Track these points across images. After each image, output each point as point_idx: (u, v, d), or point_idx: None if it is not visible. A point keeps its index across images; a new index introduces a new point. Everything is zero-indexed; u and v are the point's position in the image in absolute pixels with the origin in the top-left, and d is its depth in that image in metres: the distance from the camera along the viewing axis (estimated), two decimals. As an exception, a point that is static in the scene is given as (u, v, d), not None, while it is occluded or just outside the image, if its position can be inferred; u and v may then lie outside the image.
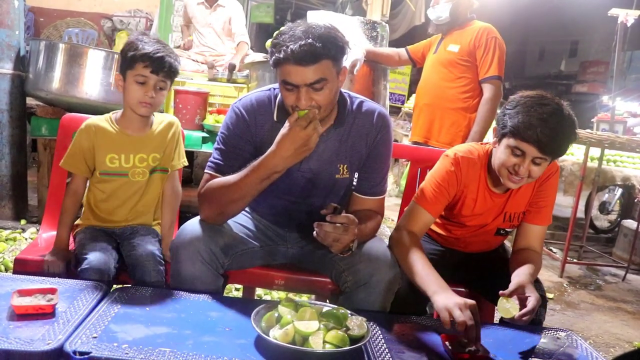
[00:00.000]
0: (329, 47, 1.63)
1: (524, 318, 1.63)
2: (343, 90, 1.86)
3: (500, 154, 1.80)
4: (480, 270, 2.03)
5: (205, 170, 1.84)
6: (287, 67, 1.63)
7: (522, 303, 1.67)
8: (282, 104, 1.78)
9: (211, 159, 1.84)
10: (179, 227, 1.85)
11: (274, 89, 1.85)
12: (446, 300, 1.57)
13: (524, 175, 1.76)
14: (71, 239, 2.00)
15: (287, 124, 1.63)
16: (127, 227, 2.01)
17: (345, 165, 1.86)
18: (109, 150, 1.96)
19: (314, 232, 1.64)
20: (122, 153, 1.97)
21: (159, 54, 1.87)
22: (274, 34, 1.73)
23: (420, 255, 1.78)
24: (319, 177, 1.86)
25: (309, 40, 1.59)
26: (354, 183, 1.86)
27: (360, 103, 1.89)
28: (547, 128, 1.68)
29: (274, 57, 1.65)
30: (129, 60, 1.89)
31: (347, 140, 1.85)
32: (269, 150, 1.65)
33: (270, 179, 1.69)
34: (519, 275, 1.74)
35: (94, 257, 1.79)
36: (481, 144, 2.03)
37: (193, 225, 1.78)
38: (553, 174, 1.95)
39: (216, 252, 1.74)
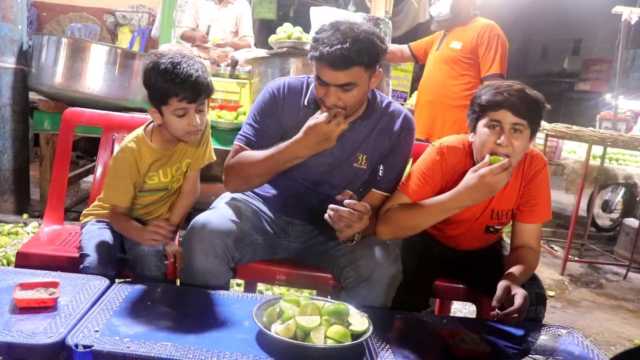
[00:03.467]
0: (362, 55, 1.67)
1: (514, 316, 1.61)
2: (374, 89, 1.92)
3: (480, 137, 1.81)
4: (479, 267, 2.03)
5: (235, 142, 1.91)
6: (321, 66, 1.71)
7: (510, 303, 1.66)
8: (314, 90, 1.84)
9: (241, 132, 1.92)
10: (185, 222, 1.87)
11: (309, 77, 1.91)
12: None
13: (506, 148, 1.74)
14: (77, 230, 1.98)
15: (314, 116, 1.72)
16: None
17: (365, 156, 1.90)
18: (149, 171, 1.89)
19: (326, 215, 1.67)
20: (160, 169, 1.90)
21: (190, 80, 1.70)
22: (318, 29, 1.77)
23: (409, 205, 1.85)
24: (338, 163, 1.89)
25: (344, 46, 1.64)
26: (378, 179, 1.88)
27: (389, 103, 1.96)
28: (514, 91, 1.74)
29: (310, 53, 1.72)
30: (161, 96, 1.74)
31: (371, 134, 1.91)
32: (295, 137, 1.74)
33: (292, 162, 1.78)
34: (505, 277, 1.73)
35: (96, 258, 1.78)
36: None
37: (205, 219, 1.78)
38: (541, 170, 1.93)
39: (229, 245, 1.76)
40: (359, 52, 1.66)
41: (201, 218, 1.79)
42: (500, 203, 1.95)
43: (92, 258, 1.78)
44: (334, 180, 1.91)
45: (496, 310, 1.65)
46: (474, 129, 1.84)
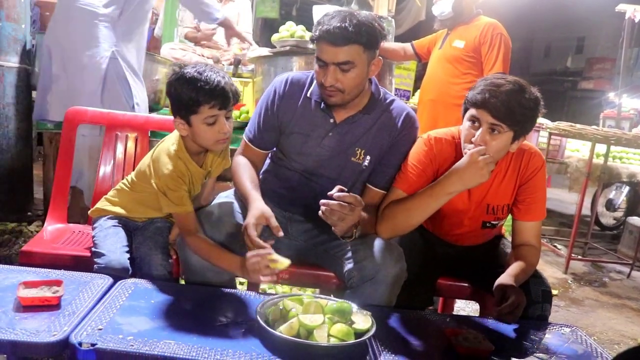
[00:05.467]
0: (361, 34, 1.73)
1: (504, 313, 1.61)
2: (379, 85, 1.96)
3: (462, 128, 1.83)
4: (481, 265, 2.03)
5: (243, 136, 2.02)
6: (321, 45, 1.77)
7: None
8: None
9: (248, 127, 2.01)
10: None
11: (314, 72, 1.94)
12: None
13: (479, 144, 1.74)
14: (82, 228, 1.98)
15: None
16: (147, 220, 2.00)
17: (363, 151, 1.91)
18: (196, 186, 1.90)
19: (320, 211, 1.67)
20: (197, 184, 1.91)
21: (219, 86, 1.70)
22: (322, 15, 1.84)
23: (403, 198, 1.86)
24: (335, 156, 1.91)
25: (344, 24, 1.71)
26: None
27: (392, 100, 1.97)
28: (497, 93, 1.71)
29: (312, 35, 1.80)
30: (191, 105, 1.71)
31: (371, 129, 1.91)
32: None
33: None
34: (501, 280, 1.73)
35: (112, 257, 1.78)
36: None
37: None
38: (539, 170, 1.92)
39: (221, 241, 1.76)
40: (358, 30, 1.72)
41: None
42: (496, 198, 1.95)
43: (108, 257, 1.78)
44: (332, 174, 1.92)
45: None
46: (463, 119, 1.85)
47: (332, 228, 1.71)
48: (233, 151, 2.04)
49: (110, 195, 2.03)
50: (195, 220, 1.79)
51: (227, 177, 2.19)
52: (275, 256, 1.59)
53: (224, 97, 1.73)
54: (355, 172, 1.93)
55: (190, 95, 1.70)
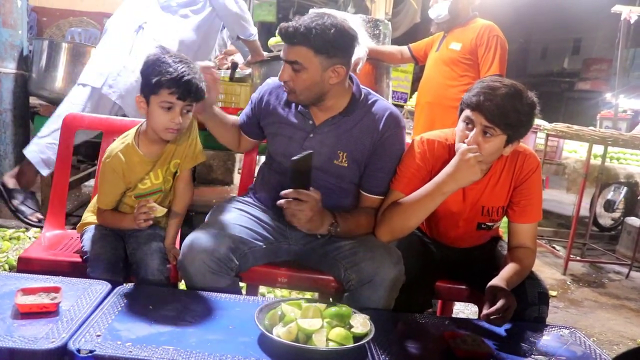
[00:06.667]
0: (309, 38, 1.74)
1: (496, 317, 1.61)
2: (362, 86, 1.97)
3: (457, 128, 1.84)
4: (479, 267, 2.03)
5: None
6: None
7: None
8: None
9: (242, 113, 2.13)
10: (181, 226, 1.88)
11: None
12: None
13: (471, 144, 1.75)
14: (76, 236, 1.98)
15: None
16: None
17: (345, 154, 1.89)
18: (139, 176, 1.89)
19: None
20: (150, 172, 1.91)
21: (185, 78, 1.74)
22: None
23: (399, 201, 1.87)
24: (318, 161, 1.88)
25: (296, 24, 1.75)
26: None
27: (375, 101, 1.94)
28: (492, 96, 1.72)
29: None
30: (153, 85, 1.76)
31: (351, 130, 1.90)
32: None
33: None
34: (493, 282, 1.73)
35: (102, 262, 1.78)
36: None
37: (193, 239, 1.76)
38: (533, 171, 1.92)
39: (222, 258, 1.74)
40: (307, 33, 1.73)
41: (189, 239, 1.78)
42: (490, 199, 1.95)
43: (99, 263, 1.78)
44: (318, 180, 1.87)
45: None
46: (459, 119, 1.86)
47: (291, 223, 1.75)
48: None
49: (93, 206, 2.02)
50: (110, 210, 1.91)
51: (225, 180, 2.20)
52: (154, 204, 1.81)
53: (185, 89, 1.75)
54: (342, 175, 1.92)
55: (156, 76, 1.75)
